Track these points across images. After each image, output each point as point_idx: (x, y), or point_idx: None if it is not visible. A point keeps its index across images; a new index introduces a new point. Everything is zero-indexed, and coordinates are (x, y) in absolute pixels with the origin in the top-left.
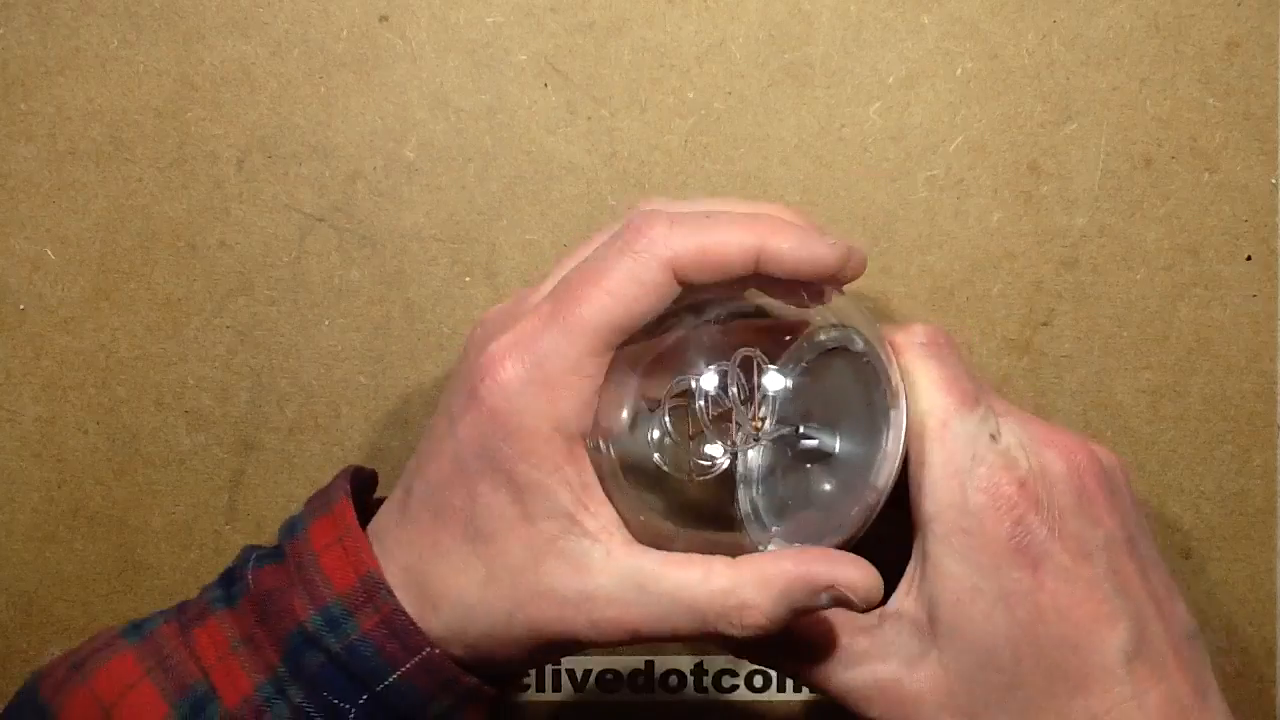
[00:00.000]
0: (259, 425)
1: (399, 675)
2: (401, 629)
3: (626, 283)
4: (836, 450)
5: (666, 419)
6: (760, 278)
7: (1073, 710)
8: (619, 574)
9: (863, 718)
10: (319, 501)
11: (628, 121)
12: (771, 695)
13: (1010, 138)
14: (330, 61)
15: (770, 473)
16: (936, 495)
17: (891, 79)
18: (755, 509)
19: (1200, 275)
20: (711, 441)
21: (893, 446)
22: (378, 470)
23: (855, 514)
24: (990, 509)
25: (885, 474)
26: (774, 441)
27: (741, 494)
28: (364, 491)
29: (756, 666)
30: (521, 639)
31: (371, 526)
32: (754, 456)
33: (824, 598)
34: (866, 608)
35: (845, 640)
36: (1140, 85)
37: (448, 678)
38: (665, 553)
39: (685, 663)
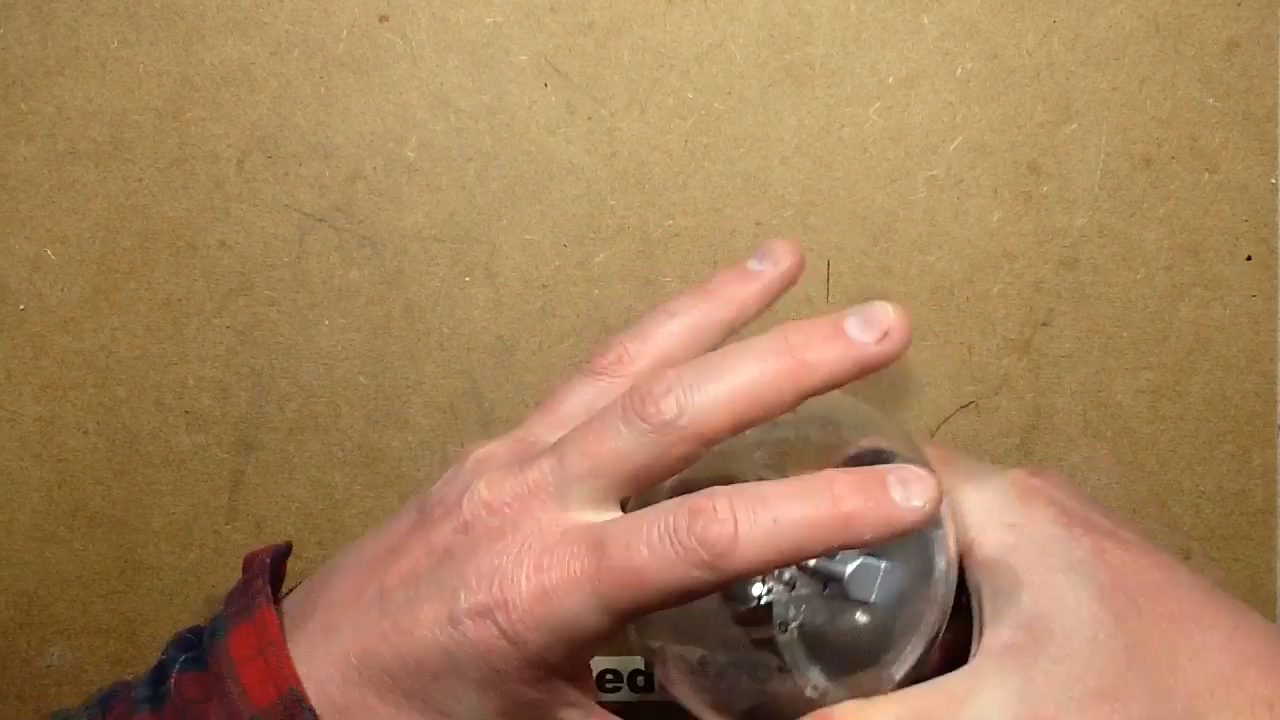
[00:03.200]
0: (259, 425)
1: None
2: None
3: (680, 589)
4: (880, 577)
5: None
6: None
7: (1196, 644)
8: None
9: None
10: (238, 604)
11: (628, 121)
12: None
13: (1010, 138)
14: (330, 61)
15: (815, 612)
16: (982, 539)
17: (891, 79)
18: (800, 652)
19: (1200, 275)
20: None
21: (943, 563)
22: (377, 470)
23: (915, 640)
24: (1026, 506)
25: (942, 590)
26: (815, 579)
27: (785, 639)
28: (281, 562)
29: None
30: None
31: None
32: (796, 597)
33: None
34: None
35: None
36: (1140, 85)
37: None
38: None
39: None
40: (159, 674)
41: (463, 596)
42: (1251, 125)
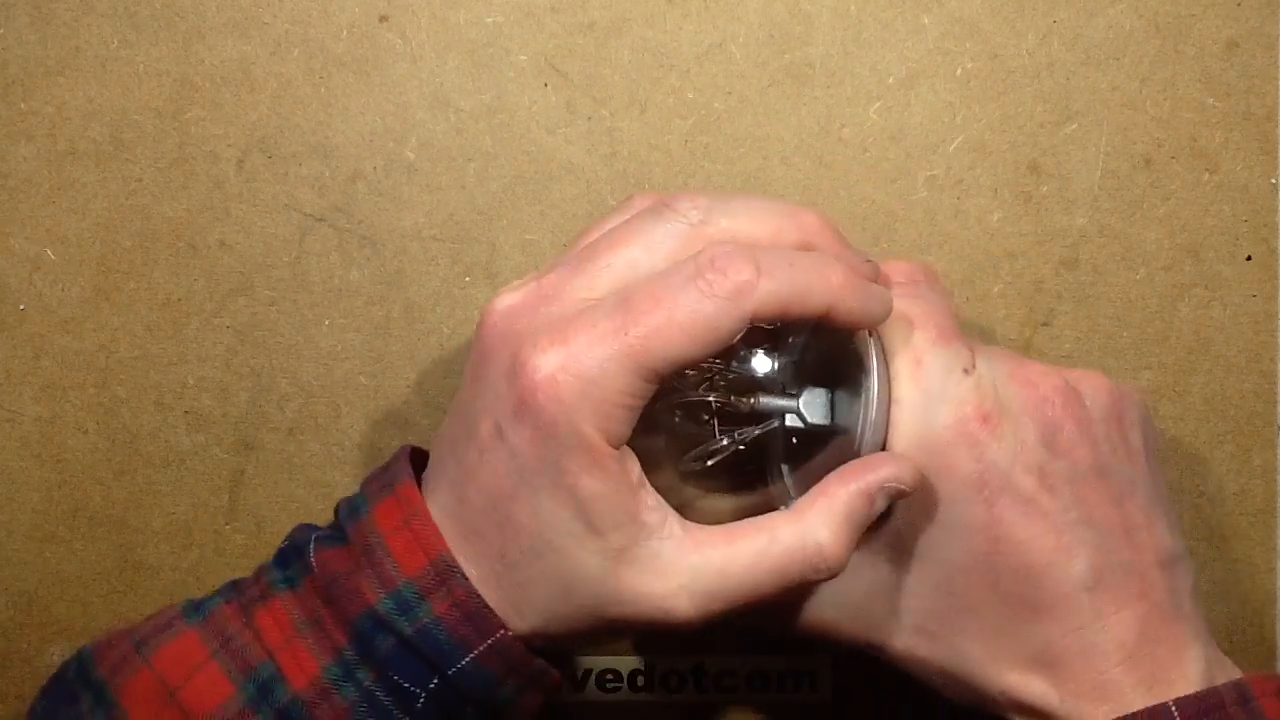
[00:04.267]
0: (259, 425)
1: (471, 658)
2: (475, 612)
3: (705, 328)
4: (830, 419)
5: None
6: None
7: (1032, 635)
8: (695, 567)
9: (833, 642)
10: (380, 483)
11: (628, 121)
12: (772, 695)
13: (1010, 138)
14: (330, 61)
15: (786, 448)
16: (904, 430)
17: (891, 79)
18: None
19: (1200, 275)
20: (723, 425)
21: (872, 411)
22: None
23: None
24: (953, 443)
25: (868, 438)
26: (768, 420)
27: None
28: (420, 469)
29: (757, 667)
30: (602, 634)
31: None
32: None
33: (879, 501)
34: (917, 487)
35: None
36: (1140, 85)
37: (519, 661)
38: (724, 528)
39: (685, 663)
40: (285, 558)
41: (499, 407)
42: (1251, 125)
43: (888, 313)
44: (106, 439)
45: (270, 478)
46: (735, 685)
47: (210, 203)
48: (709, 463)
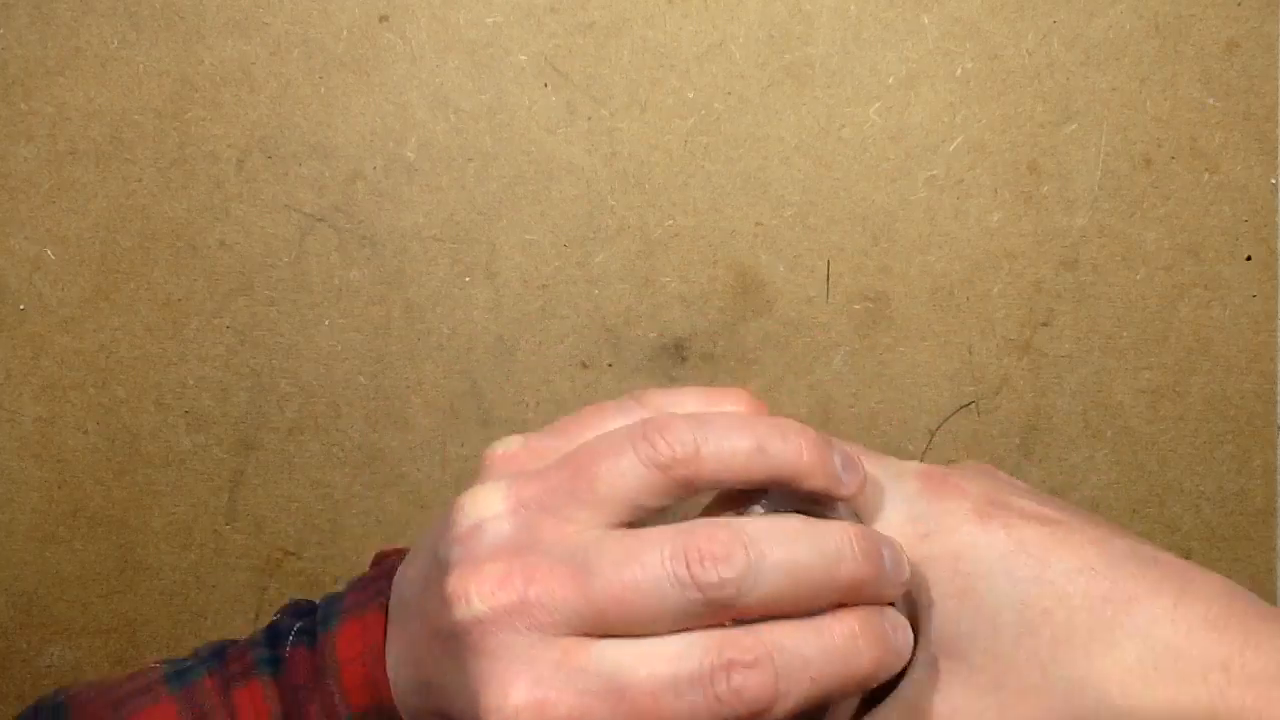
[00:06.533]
0: (259, 425)
1: None
2: None
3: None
4: None
5: None
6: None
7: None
8: None
9: None
10: (357, 596)
11: (628, 121)
12: None
13: (1010, 138)
14: (330, 61)
15: None
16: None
17: (891, 79)
18: None
19: (1200, 275)
20: None
21: None
22: (377, 470)
23: None
24: (938, 504)
25: None
26: None
27: None
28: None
29: None
30: None
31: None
32: None
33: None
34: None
35: None
36: (1140, 85)
37: None
38: None
39: None
40: (274, 637)
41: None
42: (1251, 125)
43: (851, 490)
44: (106, 439)
45: (270, 478)
46: None
47: (210, 203)
48: None
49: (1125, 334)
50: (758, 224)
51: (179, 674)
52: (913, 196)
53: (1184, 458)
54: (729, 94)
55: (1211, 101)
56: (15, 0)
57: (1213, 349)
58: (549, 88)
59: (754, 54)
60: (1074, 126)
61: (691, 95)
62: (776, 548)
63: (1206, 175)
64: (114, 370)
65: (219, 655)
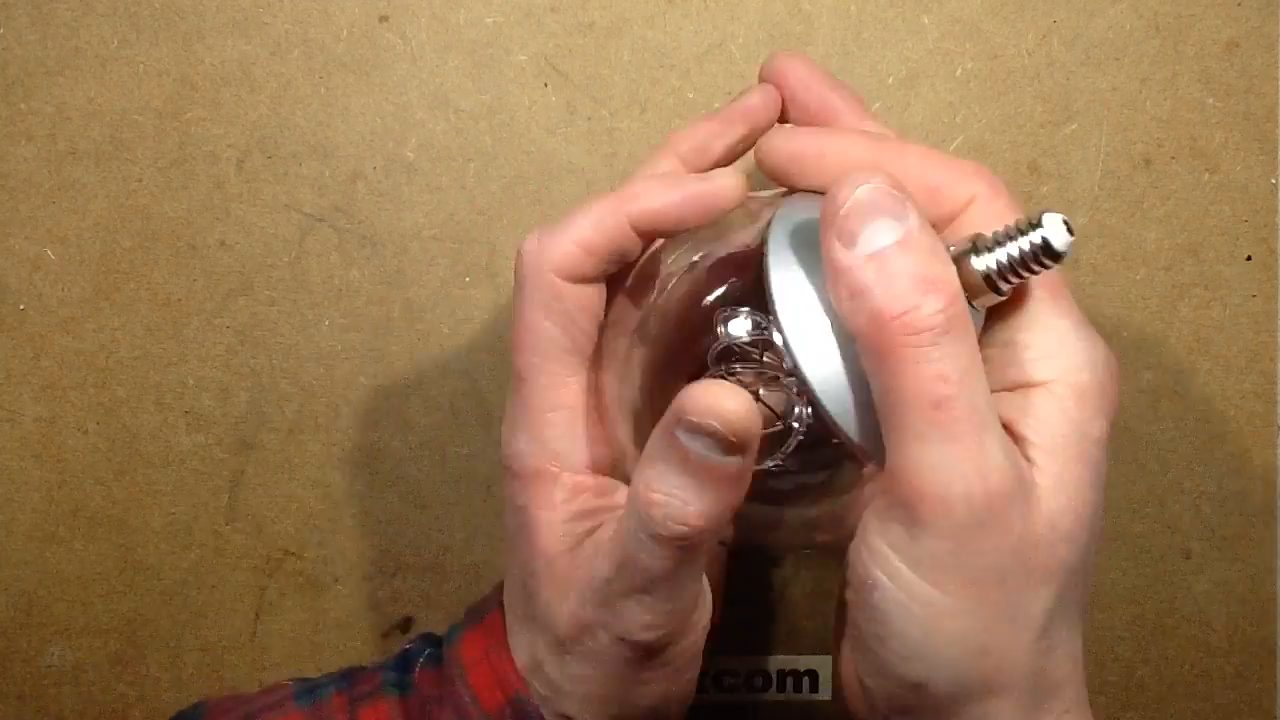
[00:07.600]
0: (259, 425)
1: None
2: None
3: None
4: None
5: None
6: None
7: None
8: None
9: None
10: (474, 610)
11: (628, 121)
12: (772, 695)
13: (1010, 138)
14: (330, 61)
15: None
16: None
17: (891, 79)
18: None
19: (1200, 275)
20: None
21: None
22: (377, 470)
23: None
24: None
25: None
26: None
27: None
28: None
29: (757, 667)
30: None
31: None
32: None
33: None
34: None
35: None
36: (1140, 85)
37: None
38: None
39: None
40: (404, 661)
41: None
42: (1251, 125)
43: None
44: (106, 439)
45: (270, 478)
46: (735, 685)
47: (210, 203)
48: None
49: (1125, 334)
50: None
51: (308, 691)
52: None
53: (1184, 458)
54: (729, 94)
55: (1211, 101)
56: (15, 0)
57: (1213, 349)
58: (549, 88)
59: (754, 54)
60: (1074, 126)
61: (691, 95)
62: None
63: (1206, 175)
64: (114, 370)
65: (348, 677)
